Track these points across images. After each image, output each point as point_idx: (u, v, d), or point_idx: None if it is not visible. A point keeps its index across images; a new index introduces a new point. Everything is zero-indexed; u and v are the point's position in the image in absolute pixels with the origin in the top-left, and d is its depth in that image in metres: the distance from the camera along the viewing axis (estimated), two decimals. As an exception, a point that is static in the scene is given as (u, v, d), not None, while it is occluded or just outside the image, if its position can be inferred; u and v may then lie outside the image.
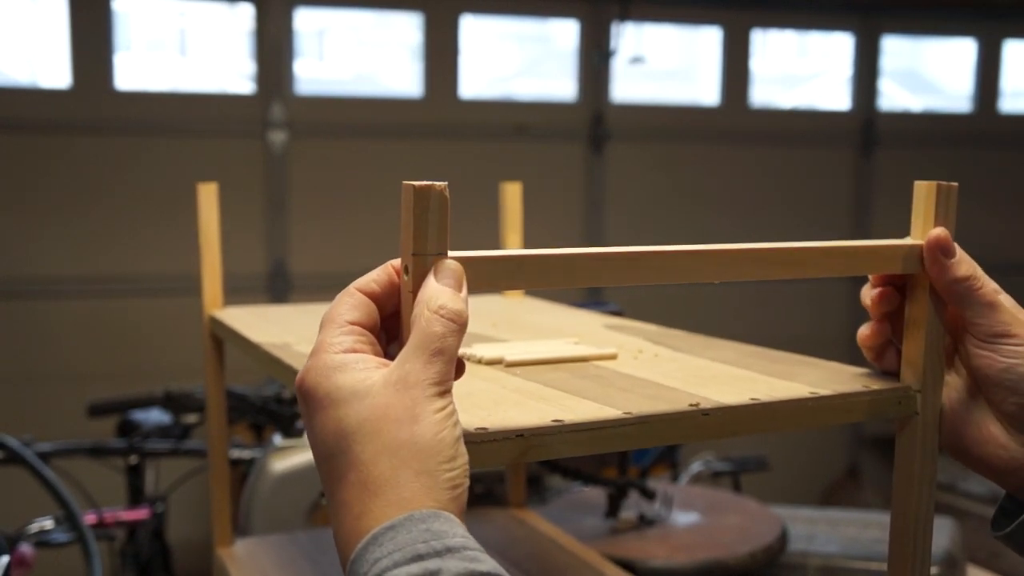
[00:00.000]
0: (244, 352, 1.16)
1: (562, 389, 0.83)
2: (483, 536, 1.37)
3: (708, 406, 0.74)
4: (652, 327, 1.20)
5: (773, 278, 0.72)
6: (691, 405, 0.74)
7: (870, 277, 0.79)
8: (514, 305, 1.43)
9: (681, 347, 1.05)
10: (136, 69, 4.01)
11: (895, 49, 4.82)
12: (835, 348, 4.51)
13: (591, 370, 0.93)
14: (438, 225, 0.62)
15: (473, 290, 0.64)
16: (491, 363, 0.95)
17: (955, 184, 0.75)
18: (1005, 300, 0.73)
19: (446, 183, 0.61)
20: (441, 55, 4.00)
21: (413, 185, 0.61)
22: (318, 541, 1.43)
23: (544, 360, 0.96)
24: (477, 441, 0.68)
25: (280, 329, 1.19)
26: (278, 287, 3.80)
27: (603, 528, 2.02)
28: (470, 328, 1.21)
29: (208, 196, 1.33)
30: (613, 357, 0.99)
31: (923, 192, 0.76)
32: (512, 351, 0.99)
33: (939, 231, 0.73)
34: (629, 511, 2.06)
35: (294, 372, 0.97)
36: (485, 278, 0.66)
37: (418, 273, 0.62)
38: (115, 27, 3.68)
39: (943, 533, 2.35)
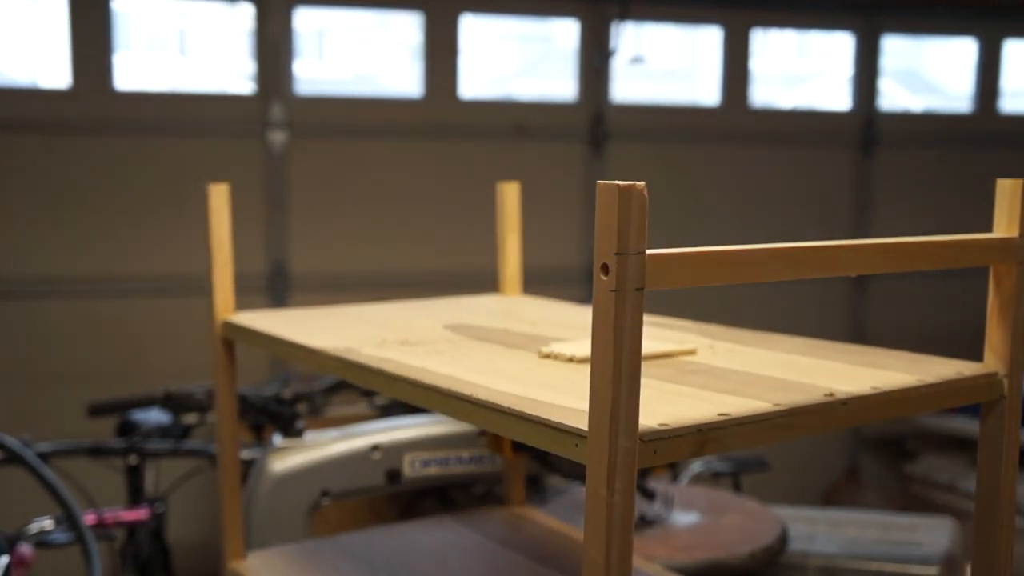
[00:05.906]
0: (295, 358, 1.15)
1: (687, 384, 0.85)
2: (488, 531, 1.36)
3: (842, 396, 0.77)
4: (690, 323, 1.21)
5: (892, 271, 0.77)
6: (827, 395, 0.77)
7: None
8: (529, 304, 1.41)
9: (740, 341, 1.06)
10: (136, 69, 4.02)
11: (895, 49, 4.82)
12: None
13: (686, 365, 0.94)
14: (639, 224, 0.63)
15: (672, 285, 0.66)
16: (583, 361, 0.95)
17: None
18: None
19: (644, 183, 0.62)
20: (441, 55, 4.00)
21: (617, 185, 0.62)
22: (325, 550, 1.41)
23: None
24: (662, 437, 0.69)
25: (301, 330, 1.19)
26: (278, 287, 3.79)
27: (603, 528, 2.02)
28: (516, 328, 1.19)
29: (219, 197, 1.31)
30: (693, 352, 1.00)
31: (1007, 190, 0.79)
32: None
33: None
34: (629, 511, 2.06)
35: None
36: (686, 274, 0.69)
37: (621, 272, 0.63)
38: (115, 27, 3.67)
39: (943, 533, 2.35)
